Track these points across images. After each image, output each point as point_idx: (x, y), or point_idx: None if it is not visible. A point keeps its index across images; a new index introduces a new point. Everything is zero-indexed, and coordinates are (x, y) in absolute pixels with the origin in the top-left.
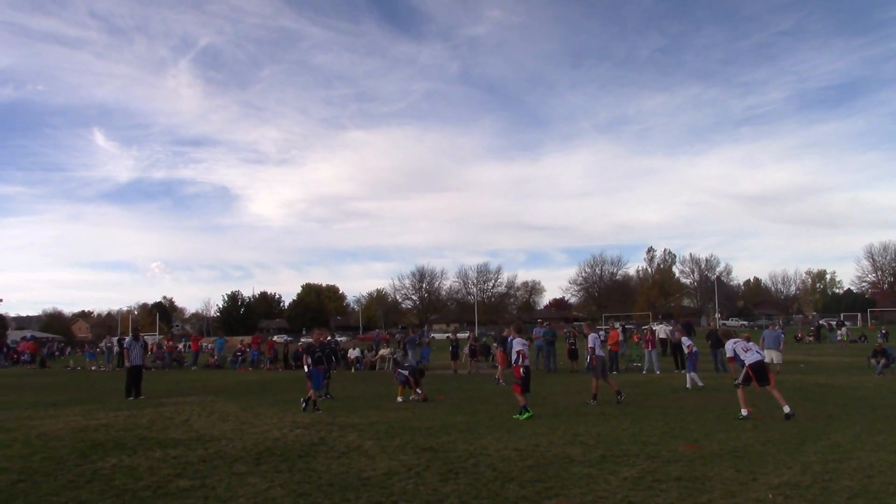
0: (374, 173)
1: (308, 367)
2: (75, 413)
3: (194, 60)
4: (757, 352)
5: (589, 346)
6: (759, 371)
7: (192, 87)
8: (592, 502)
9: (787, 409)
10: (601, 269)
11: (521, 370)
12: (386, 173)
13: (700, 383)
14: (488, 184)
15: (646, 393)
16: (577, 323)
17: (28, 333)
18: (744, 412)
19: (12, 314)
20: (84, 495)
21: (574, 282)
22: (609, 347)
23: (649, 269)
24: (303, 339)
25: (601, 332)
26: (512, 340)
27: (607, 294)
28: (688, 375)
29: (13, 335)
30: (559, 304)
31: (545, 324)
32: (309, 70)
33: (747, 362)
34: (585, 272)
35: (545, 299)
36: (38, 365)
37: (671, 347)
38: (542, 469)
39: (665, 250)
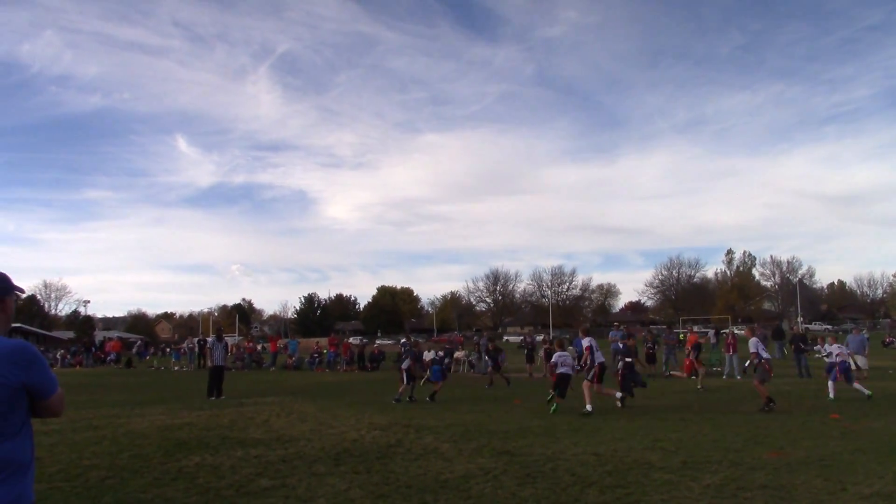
0: (448, 176)
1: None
2: (160, 412)
3: (273, 67)
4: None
5: (752, 350)
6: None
7: (271, 93)
8: None
9: (588, 407)
10: (678, 272)
11: (557, 377)
12: (460, 176)
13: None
14: (563, 186)
15: (727, 398)
16: (655, 326)
17: (115, 333)
18: (588, 408)
19: (99, 315)
20: (169, 493)
21: (650, 284)
22: (688, 352)
23: (728, 272)
24: (378, 342)
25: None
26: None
27: (684, 297)
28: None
29: (100, 335)
30: (635, 307)
31: (621, 327)
32: (384, 74)
33: (597, 361)
34: (662, 275)
35: (621, 302)
36: (124, 364)
37: None
38: (621, 475)
39: (744, 252)
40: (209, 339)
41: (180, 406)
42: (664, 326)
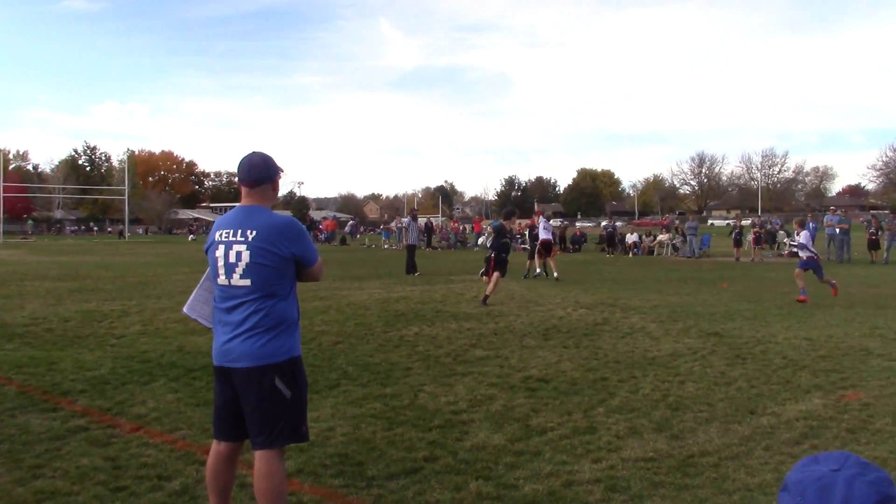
0: (653, 54)
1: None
2: (376, 286)
3: None
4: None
5: None
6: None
7: None
8: (893, 395)
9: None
10: None
11: None
12: (666, 53)
13: None
14: (777, 60)
15: None
16: (877, 212)
17: (330, 213)
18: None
19: (311, 196)
20: (394, 358)
21: (873, 167)
22: None
23: None
24: (578, 224)
25: None
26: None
27: None
28: None
29: (313, 215)
30: (854, 190)
31: (838, 211)
32: None
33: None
34: (888, 156)
35: (837, 186)
36: (339, 242)
37: None
38: (836, 360)
39: None
40: (405, 220)
41: (394, 281)
42: (887, 212)
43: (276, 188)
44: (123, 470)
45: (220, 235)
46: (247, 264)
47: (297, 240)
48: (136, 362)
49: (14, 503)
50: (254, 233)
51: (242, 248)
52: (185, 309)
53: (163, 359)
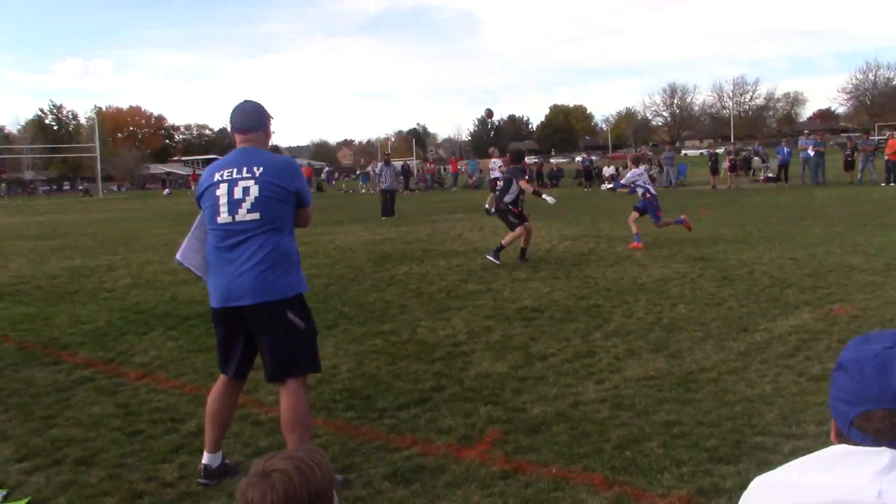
0: None
1: None
2: (360, 229)
3: None
4: None
5: None
6: None
7: None
8: (879, 308)
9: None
10: (875, 76)
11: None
12: None
13: None
14: None
15: None
16: (847, 134)
17: (304, 161)
18: None
19: (284, 145)
20: (388, 296)
21: (843, 90)
22: (887, 157)
23: None
24: (553, 160)
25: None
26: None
27: (882, 102)
28: None
29: None
30: (825, 115)
31: (812, 135)
32: None
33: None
34: (857, 79)
35: (808, 111)
36: (315, 188)
37: None
38: (821, 277)
39: None
40: (378, 165)
41: (376, 224)
42: (857, 134)
43: (268, 134)
44: (136, 415)
45: (222, 175)
46: (255, 198)
47: (299, 176)
48: (131, 313)
49: (33, 452)
50: (261, 168)
51: (250, 183)
52: (177, 256)
53: (157, 309)
